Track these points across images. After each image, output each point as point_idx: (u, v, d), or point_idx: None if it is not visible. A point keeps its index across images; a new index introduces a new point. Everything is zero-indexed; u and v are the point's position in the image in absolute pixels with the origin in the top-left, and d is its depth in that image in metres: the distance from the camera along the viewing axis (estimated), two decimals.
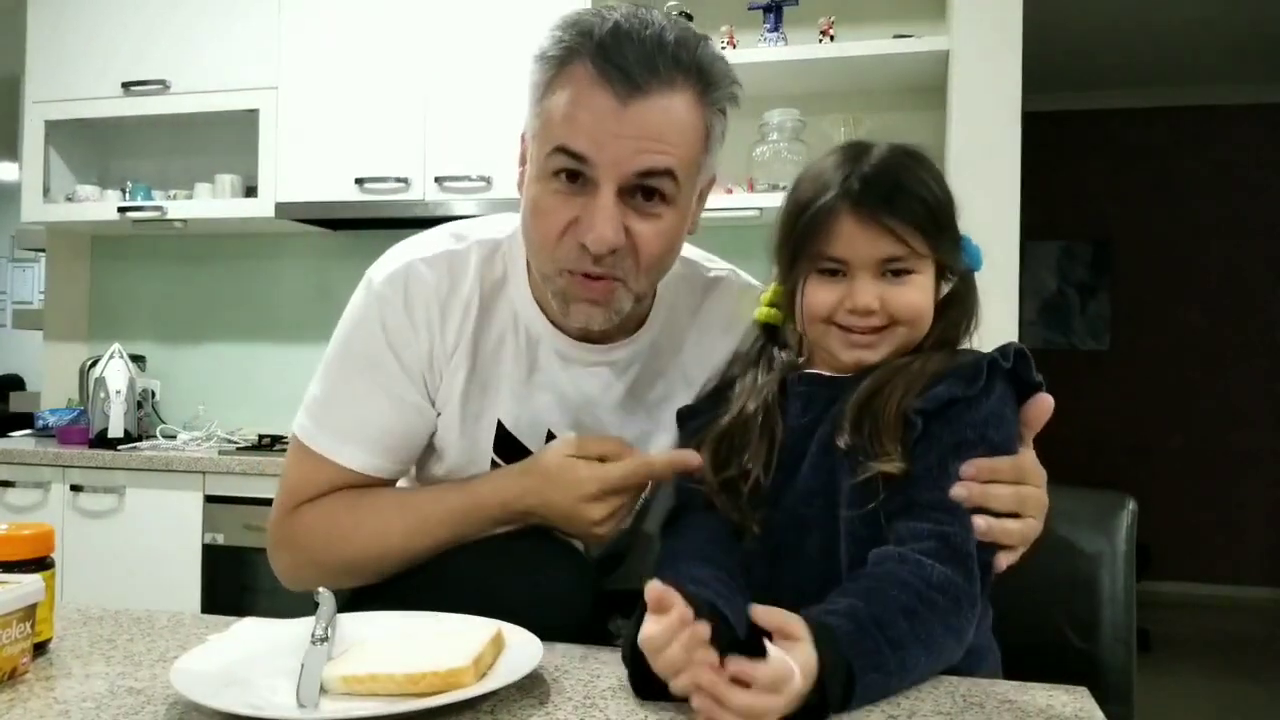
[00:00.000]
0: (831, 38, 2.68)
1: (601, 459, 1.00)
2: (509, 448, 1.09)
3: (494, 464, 1.09)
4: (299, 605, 1.09)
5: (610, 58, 0.91)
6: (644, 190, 0.95)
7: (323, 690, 0.74)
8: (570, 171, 0.94)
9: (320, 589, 0.88)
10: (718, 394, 1.03)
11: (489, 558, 0.99)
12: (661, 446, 1.09)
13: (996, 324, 2.43)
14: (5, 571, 0.84)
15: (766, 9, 2.72)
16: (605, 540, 1.02)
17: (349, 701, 0.73)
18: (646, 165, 0.93)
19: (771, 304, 1.03)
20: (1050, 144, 5.06)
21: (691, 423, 1.03)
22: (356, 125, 2.88)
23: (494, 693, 0.74)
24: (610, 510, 0.99)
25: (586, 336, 1.08)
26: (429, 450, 1.13)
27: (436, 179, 2.81)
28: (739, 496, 0.93)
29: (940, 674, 0.85)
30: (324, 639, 0.80)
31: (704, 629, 0.71)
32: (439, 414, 1.10)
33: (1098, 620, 1.11)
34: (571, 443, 1.02)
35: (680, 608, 0.71)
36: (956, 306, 0.99)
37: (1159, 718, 3.41)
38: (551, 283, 1.01)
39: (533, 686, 0.78)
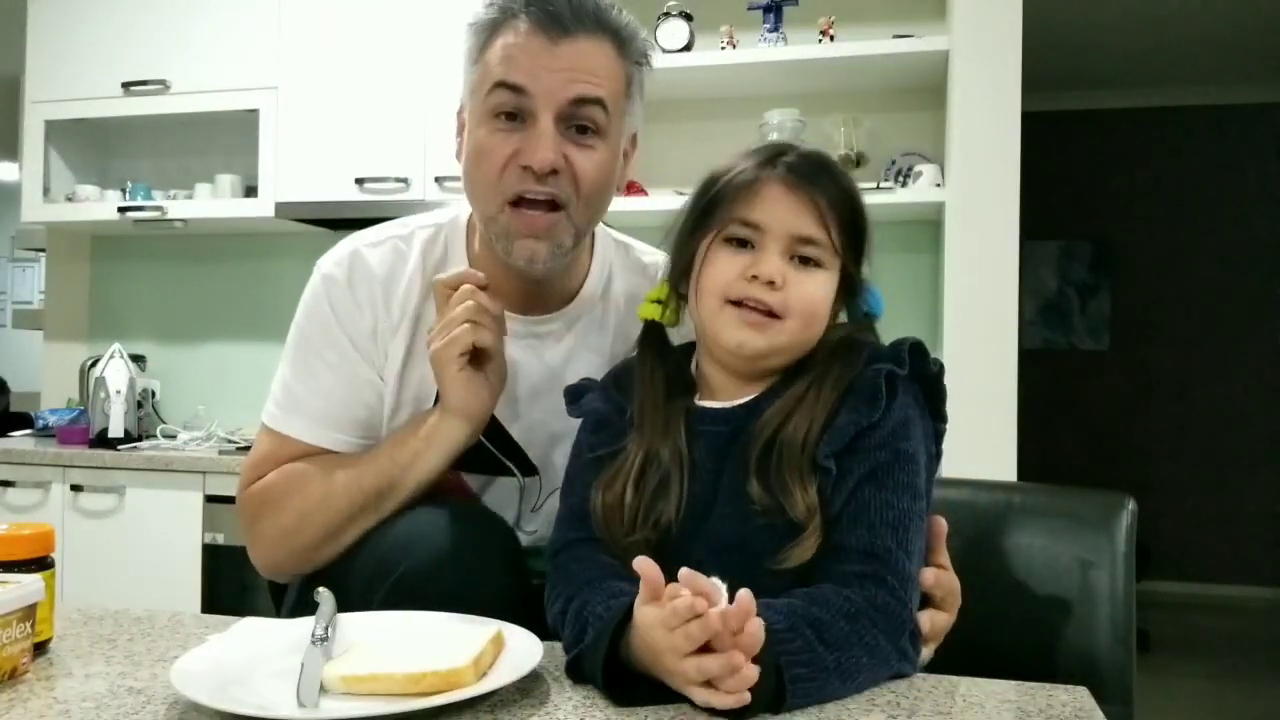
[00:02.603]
0: (831, 38, 2.68)
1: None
2: None
3: None
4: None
5: (541, 7, 1.02)
6: (578, 124, 1.04)
7: (323, 690, 0.74)
8: (509, 112, 1.03)
9: (320, 589, 0.88)
10: (615, 396, 0.99)
11: (410, 542, 0.99)
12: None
13: (997, 324, 2.44)
14: (5, 571, 0.84)
15: (766, 9, 2.72)
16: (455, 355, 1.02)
17: (349, 701, 0.73)
18: (580, 93, 1.02)
19: (657, 300, 0.99)
20: (1050, 144, 5.06)
21: (582, 400, 1.00)
22: (356, 125, 2.88)
23: (494, 693, 0.74)
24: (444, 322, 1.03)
25: (521, 309, 1.13)
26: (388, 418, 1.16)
27: (436, 179, 2.81)
28: (645, 550, 0.87)
29: (941, 674, 0.85)
30: (324, 639, 0.80)
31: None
32: (391, 388, 1.14)
33: (1097, 620, 1.10)
34: None
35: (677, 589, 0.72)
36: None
37: (1159, 718, 3.41)
38: (495, 223, 1.06)
39: (533, 686, 0.78)
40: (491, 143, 1.04)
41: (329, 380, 1.12)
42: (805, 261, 0.90)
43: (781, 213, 0.89)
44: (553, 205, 1.04)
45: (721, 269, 0.91)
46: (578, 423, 1.04)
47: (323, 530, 1.07)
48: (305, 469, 1.10)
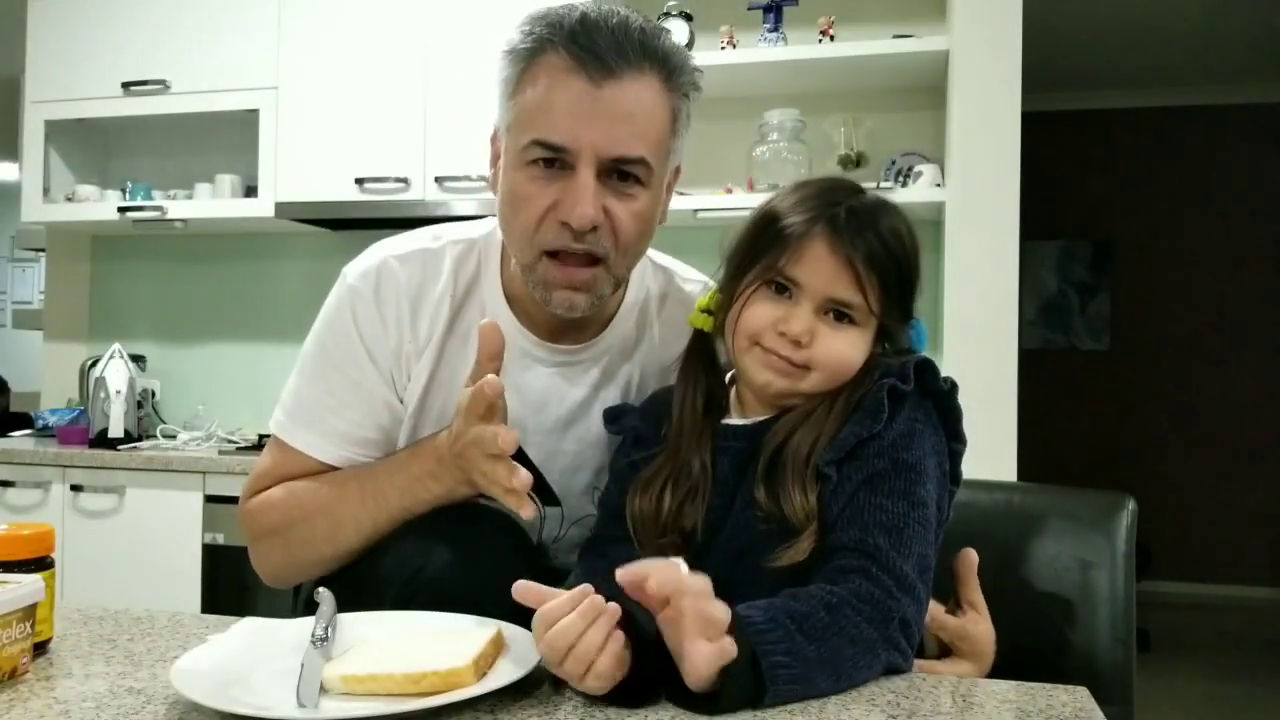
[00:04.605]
0: (831, 38, 2.68)
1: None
2: None
3: None
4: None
5: (582, 43, 0.95)
6: (619, 173, 0.98)
7: (323, 690, 0.74)
8: (548, 158, 0.98)
9: (320, 589, 0.88)
10: (653, 414, 1.02)
11: (431, 542, 0.99)
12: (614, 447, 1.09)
13: (997, 324, 2.44)
14: (5, 571, 0.84)
15: (766, 9, 2.72)
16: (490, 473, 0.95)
17: (349, 701, 0.73)
18: (621, 154, 0.97)
19: (707, 309, 1.02)
20: (1050, 144, 5.06)
21: (621, 420, 1.04)
22: (356, 125, 2.87)
23: (494, 693, 0.74)
24: (463, 424, 0.95)
25: (553, 337, 1.10)
26: (409, 436, 1.13)
27: (436, 179, 2.81)
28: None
29: (940, 675, 0.85)
30: (324, 639, 0.80)
31: (610, 608, 0.73)
32: (413, 408, 1.10)
33: (1098, 620, 1.11)
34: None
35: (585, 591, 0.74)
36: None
37: (1159, 718, 3.41)
38: (532, 272, 1.03)
39: (533, 686, 0.78)
40: (529, 191, 0.99)
41: (346, 397, 1.09)
42: (840, 317, 0.92)
43: (820, 274, 0.91)
44: (592, 259, 1.00)
45: (756, 314, 0.93)
46: (601, 452, 1.09)
47: (331, 559, 1.07)
48: (310, 500, 1.07)
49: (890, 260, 0.92)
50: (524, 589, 0.76)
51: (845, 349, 0.92)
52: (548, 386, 1.11)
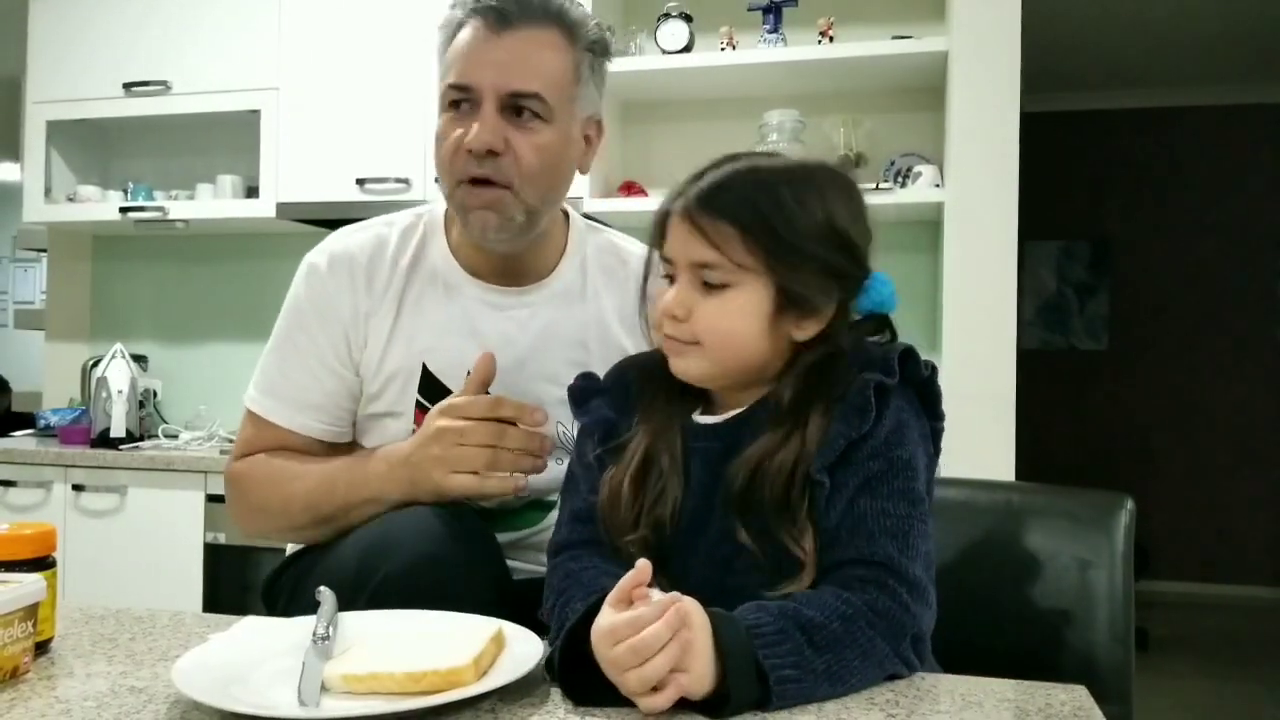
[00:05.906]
0: (831, 38, 2.69)
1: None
2: (433, 389, 1.18)
3: (418, 404, 1.19)
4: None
5: (492, 4, 1.11)
6: (520, 108, 1.11)
7: (324, 689, 0.74)
8: (460, 101, 1.13)
9: (321, 588, 0.88)
10: (622, 392, 0.99)
11: (396, 546, 1.00)
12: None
13: (995, 324, 2.45)
14: (7, 571, 0.85)
15: (766, 9, 2.72)
16: (458, 487, 1.06)
17: (350, 700, 0.74)
18: (516, 88, 1.10)
19: None
20: (1050, 144, 5.06)
21: (590, 404, 1.00)
22: (357, 125, 2.88)
23: (494, 692, 0.74)
24: (453, 438, 1.05)
25: (502, 283, 1.21)
26: (370, 399, 1.21)
27: (437, 179, 2.80)
28: (643, 552, 0.88)
29: (939, 674, 0.85)
30: (325, 638, 0.81)
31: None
32: (373, 368, 1.19)
33: (1096, 620, 1.11)
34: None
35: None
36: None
37: (1157, 717, 3.41)
38: (454, 199, 1.16)
39: (533, 686, 0.78)
40: (447, 129, 1.13)
41: (299, 365, 1.20)
42: (714, 285, 0.89)
43: (678, 244, 0.91)
44: (497, 183, 1.11)
45: (657, 304, 0.93)
46: (560, 387, 1.07)
47: (286, 529, 1.20)
48: (278, 473, 1.18)
49: (742, 208, 0.87)
50: (644, 567, 0.74)
51: (722, 316, 0.88)
52: (503, 328, 1.20)
